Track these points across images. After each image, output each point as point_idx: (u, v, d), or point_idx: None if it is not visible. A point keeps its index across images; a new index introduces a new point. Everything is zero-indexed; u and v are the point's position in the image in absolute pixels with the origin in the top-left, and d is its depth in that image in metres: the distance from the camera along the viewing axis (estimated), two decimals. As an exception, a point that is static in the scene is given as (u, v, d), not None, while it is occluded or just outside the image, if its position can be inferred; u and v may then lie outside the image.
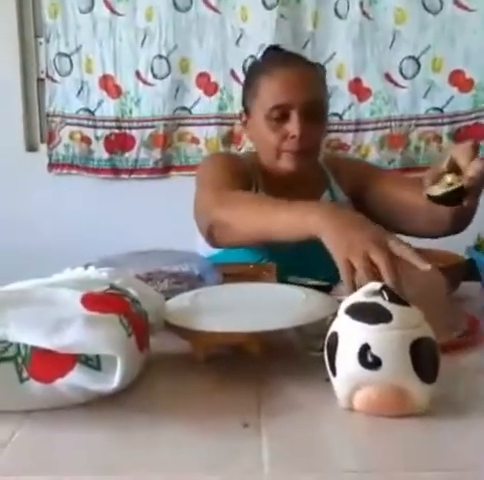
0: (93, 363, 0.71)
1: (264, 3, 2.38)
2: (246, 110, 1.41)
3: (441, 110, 2.42)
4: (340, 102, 2.41)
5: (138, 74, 2.46)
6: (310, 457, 0.63)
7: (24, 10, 2.49)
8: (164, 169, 2.52)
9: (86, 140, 2.51)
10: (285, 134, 1.31)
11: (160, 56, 2.44)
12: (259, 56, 1.71)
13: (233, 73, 2.43)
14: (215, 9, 2.41)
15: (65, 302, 0.74)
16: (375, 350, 0.68)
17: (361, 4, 2.37)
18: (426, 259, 0.86)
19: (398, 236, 0.93)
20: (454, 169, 1.01)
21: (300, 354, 0.87)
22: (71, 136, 2.51)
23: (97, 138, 2.50)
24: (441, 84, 2.40)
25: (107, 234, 2.36)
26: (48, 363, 0.70)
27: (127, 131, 2.49)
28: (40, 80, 2.53)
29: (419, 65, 2.40)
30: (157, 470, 0.61)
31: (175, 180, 2.50)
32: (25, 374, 0.70)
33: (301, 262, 1.14)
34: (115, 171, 2.52)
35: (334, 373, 0.72)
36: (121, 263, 1.02)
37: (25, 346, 0.70)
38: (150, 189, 2.50)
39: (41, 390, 0.70)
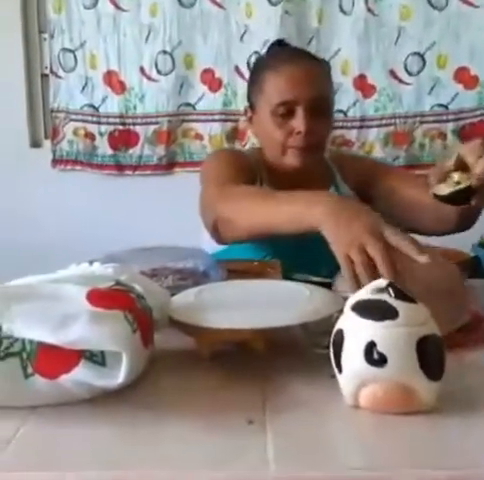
0: (98, 359, 0.71)
1: (269, -1, 2.38)
2: (251, 106, 1.41)
3: (446, 107, 2.41)
4: (345, 99, 2.40)
5: (142, 70, 2.45)
6: (315, 454, 0.63)
7: (28, 5, 2.49)
8: (168, 165, 2.52)
9: (90, 136, 2.51)
10: (291, 130, 1.31)
11: (164, 52, 2.44)
12: (264, 52, 1.71)
13: (237, 69, 2.42)
14: (220, 5, 2.41)
15: (70, 298, 0.74)
16: (381, 347, 0.68)
17: (366, 0, 2.37)
18: (422, 249, 0.85)
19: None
20: (461, 167, 0.99)
21: (305, 351, 0.87)
22: (75, 132, 2.51)
23: (101, 134, 2.50)
24: (446, 81, 2.40)
25: (111, 230, 2.36)
26: (53, 359, 0.70)
27: (131, 127, 2.50)
28: (44, 76, 2.53)
29: (424, 62, 2.40)
30: (162, 466, 0.61)
31: (179, 176, 2.50)
32: (30, 370, 0.70)
33: (305, 259, 1.14)
34: (119, 167, 2.52)
35: (340, 370, 0.72)
36: (126, 259, 1.02)
37: (30, 342, 0.70)
38: (154, 185, 2.50)
39: (46, 386, 0.70)
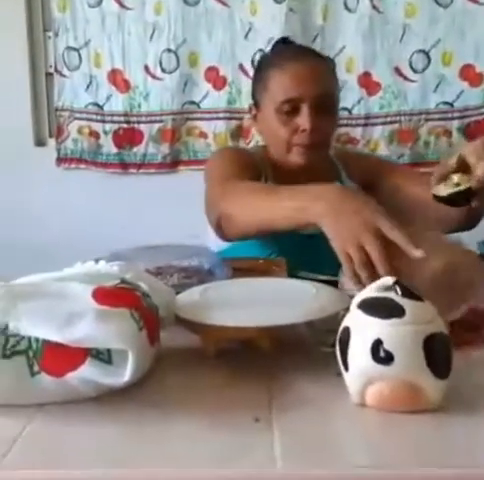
0: (104, 357, 0.70)
1: (273, -3, 2.37)
2: (256, 104, 1.40)
3: (451, 104, 2.40)
4: (349, 96, 2.40)
5: (147, 68, 2.45)
6: (322, 452, 0.63)
7: (33, 4, 2.49)
8: (172, 164, 2.52)
9: (94, 134, 2.51)
10: (295, 128, 1.31)
11: (169, 50, 2.43)
12: (268, 50, 1.70)
13: (242, 67, 2.42)
14: (224, 3, 2.40)
15: (76, 296, 0.74)
16: (388, 345, 0.67)
17: (371, -3, 2.37)
18: (419, 242, 0.85)
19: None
20: (463, 167, 0.98)
21: (311, 349, 0.86)
22: (79, 131, 2.51)
23: (105, 132, 2.50)
24: (451, 78, 2.39)
25: (115, 228, 2.36)
26: (59, 357, 0.70)
27: (135, 125, 2.50)
28: (49, 74, 2.53)
29: (429, 59, 2.39)
30: (168, 464, 0.61)
31: (183, 175, 2.50)
32: (36, 368, 0.70)
33: (310, 257, 1.13)
34: (123, 166, 2.52)
35: (346, 368, 0.71)
36: (131, 257, 1.02)
37: (36, 340, 0.70)
38: (158, 184, 2.50)
39: (52, 384, 0.70)
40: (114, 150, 2.51)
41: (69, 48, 2.46)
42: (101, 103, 2.49)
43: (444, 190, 0.98)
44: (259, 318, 0.80)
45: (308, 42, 2.27)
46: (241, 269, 1.11)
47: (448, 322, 0.87)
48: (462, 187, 0.96)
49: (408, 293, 0.70)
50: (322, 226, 0.92)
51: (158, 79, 2.46)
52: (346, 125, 2.41)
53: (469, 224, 1.24)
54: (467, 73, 2.39)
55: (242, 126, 2.46)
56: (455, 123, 2.42)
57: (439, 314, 0.71)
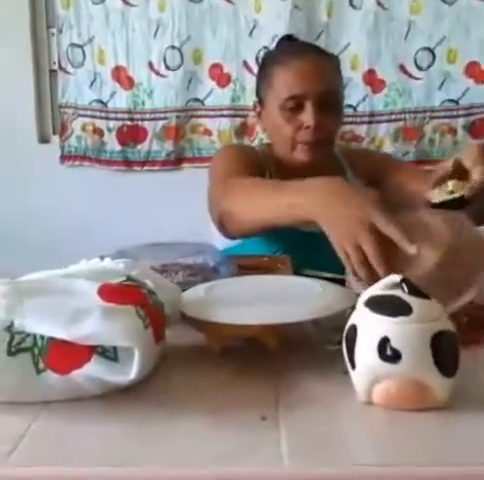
0: (110, 354, 0.70)
1: (278, -7, 2.36)
2: (260, 101, 1.40)
3: (456, 102, 2.39)
4: (354, 94, 2.39)
5: (151, 65, 2.45)
6: (329, 450, 0.63)
7: (36, 1, 2.48)
8: (176, 161, 2.51)
9: (98, 132, 2.51)
10: (300, 125, 1.31)
11: (173, 47, 2.43)
12: (273, 47, 1.70)
13: (246, 64, 2.41)
14: (228, 0, 2.39)
15: (82, 293, 0.73)
16: (395, 343, 0.67)
17: (376, -6, 2.35)
18: (415, 237, 0.84)
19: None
20: (459, 171, 0.98)
21: (317, 347, 0.86)
22: (83, 128, 2.50)
23: (109, 130, 2.50)
24: (456, 75, 2.38)
25: (119, 226, 2.36)
26: (65, 354, 0.70)
27: (139, 123, 2.49)
28: (52, 71, 2.52)
29: (434, 56, 2.38)
30: (174, 463, 0.61)
31: (187, 172, 2.49)
32: (42, 365, 0.70)
33: (316, 254, 1.13)
34: (127, 163, 2.52)
35: (353, 366, 0.71)
36: (136, 255, 1.02)
37: (42, 337, 0.70)
38: (162, 181, 2.49)
39: (58, 381, 0.70)
40: (118, 147, 2.50)
41: (73, 45, 2.46)
42: (105, 100, 2.48)
43: (438, 196, 0.99)
44: (264, 316, 0.80)
45: (313, 39, 2.26)
46: (246, 267, 1.11)
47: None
48: (456, 195, 0.96)
49: (415, 291, 0.70)
50: (317, 222, 0.93)
51: (162, 76, 2.45)
52: (351, 122, 2.40)
53: (472, 223, 1.24)
54: (472, 70, 2.38)
55: (246, 123, 2.45)
56: (460, 121, 2.40)
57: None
